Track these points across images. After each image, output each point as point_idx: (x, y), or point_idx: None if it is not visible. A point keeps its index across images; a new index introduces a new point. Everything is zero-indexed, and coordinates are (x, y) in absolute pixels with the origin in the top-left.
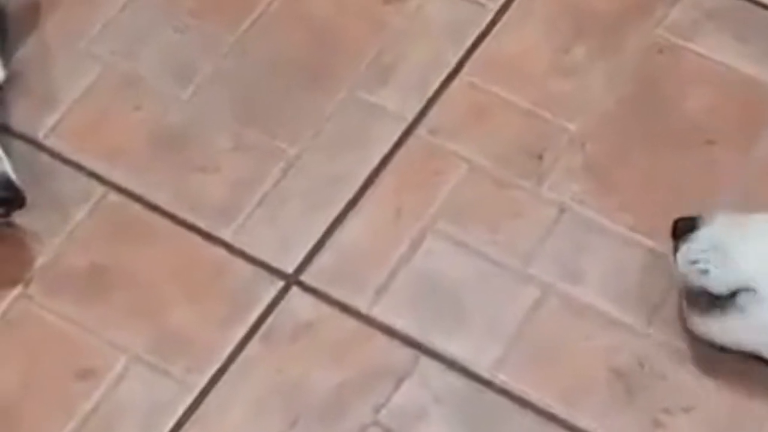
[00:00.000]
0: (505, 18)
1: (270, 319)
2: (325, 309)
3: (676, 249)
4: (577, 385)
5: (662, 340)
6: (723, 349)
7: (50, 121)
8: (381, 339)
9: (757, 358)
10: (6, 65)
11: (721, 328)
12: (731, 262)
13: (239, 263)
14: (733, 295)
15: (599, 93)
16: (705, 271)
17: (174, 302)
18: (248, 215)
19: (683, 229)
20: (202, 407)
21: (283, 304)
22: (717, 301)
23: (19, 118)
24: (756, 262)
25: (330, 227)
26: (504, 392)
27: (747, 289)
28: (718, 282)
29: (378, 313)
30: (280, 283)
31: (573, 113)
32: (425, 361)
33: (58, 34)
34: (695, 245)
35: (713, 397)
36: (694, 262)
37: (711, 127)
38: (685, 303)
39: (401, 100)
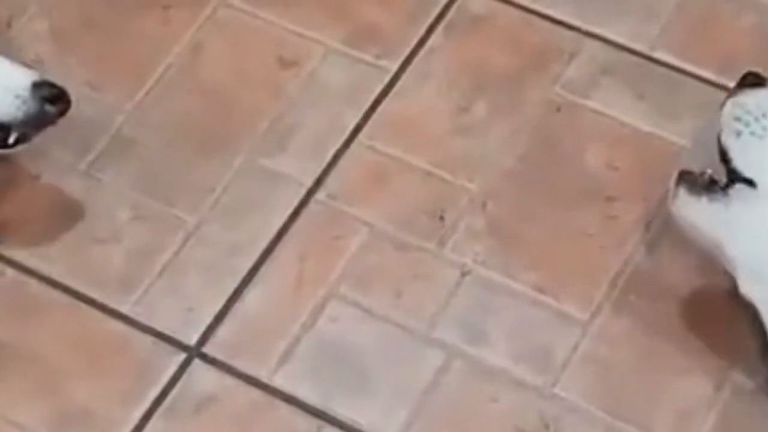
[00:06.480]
0: (402, 79)
1: (173, 393)
2: (228, 380)
3: (732, 95)
4: None
5: (568, 400)
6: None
7: None
8: (284, 409)
9: None
10: None
11: (700, 211)
12: (763, 143)
13: (140, 336)
14: (731, 183)
15: (499, 152)
16: (738, 133)
17: (74, 378)
18: (148, 287)
19: (750, 81)
20: None
21: (185, 376)
22: (713, 186)
23: None
24: None
25: (231, 297)
26: None
27: (751, 182)
28: (738, 152)
29: (281, 382)
30: (182, 356)
31: (473, 173)
32: (329, 430)
33: None
34: (748, 101)
35: None
36: (737, 118)
37: (610, 184)
38: (675, 182)
39: (300, 166)
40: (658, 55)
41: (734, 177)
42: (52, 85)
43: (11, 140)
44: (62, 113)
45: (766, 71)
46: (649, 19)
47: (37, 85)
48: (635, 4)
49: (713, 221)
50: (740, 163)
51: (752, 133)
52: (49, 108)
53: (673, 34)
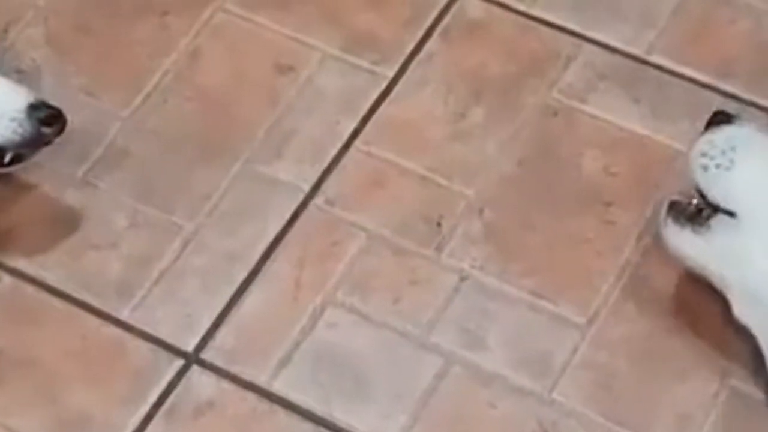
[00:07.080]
0: (399, 85)
1: (171, 399)
2: (226, 386)
3: (702, 134)
4: None
5: (566, 405)
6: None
7: None
8: (282, 414)
9: None
10: None
11: (688, 242)
12: (731, 175)
13: (138, 342)
14: (713, 213)
15: (496, 157)
16: (704, 167)
17: (72, 384)
18: (146, 293)
19: (718, 119)
20: None
21: (183, 382)
22: (698, 217)
23: None
24: (752, 188)
25: (229, 303)
26: None
27: (726, 211)
28: (708, 185)
29: (279, 388)
30: (180, 362)
31: (470, 178)
32: None
33: None
34: (715, 137)
35: None
36: (703, 153)
37: (608, 188)
38: (665, 210)
39: (297, 172)
40: (654, 59)
41: (715, 209)
42: (48, 106)
43: (7, 160)
44: (58, 134)
45: (762, 75)
46: (646, 23)
47: (33, 107)
48: (632, 8)
49: (698, 250)
50: (715, 196)
51: (718, 166)
52: (46, 129)
53: (669, 39)
